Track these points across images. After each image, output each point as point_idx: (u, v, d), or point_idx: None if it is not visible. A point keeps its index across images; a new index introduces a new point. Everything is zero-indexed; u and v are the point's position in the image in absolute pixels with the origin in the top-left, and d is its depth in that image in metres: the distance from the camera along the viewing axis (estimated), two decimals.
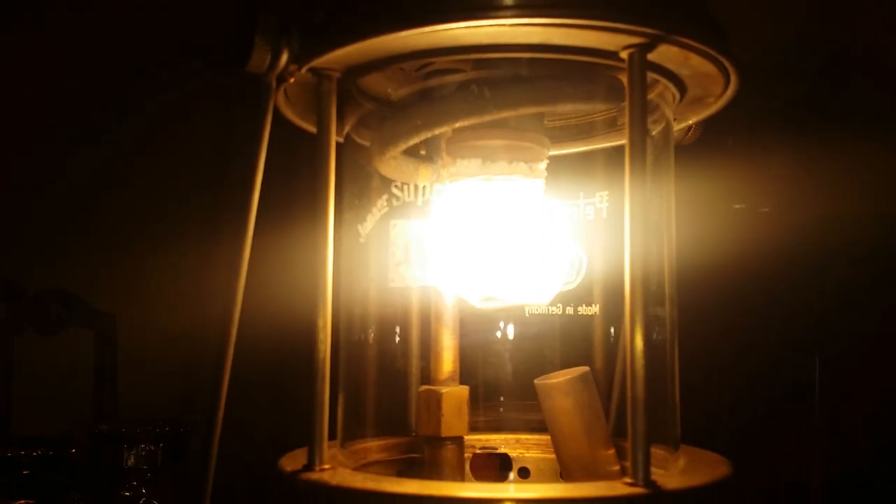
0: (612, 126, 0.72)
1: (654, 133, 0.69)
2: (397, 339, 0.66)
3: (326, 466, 0.54)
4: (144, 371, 0.83)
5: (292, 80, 0.55)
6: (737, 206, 1.14)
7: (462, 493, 0.48)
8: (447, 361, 0.67)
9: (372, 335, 0.62)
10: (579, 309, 0.71)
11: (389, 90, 0.58)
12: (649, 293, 0.55)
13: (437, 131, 0.55)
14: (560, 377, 0.67)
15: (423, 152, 0.64)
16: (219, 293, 0.57)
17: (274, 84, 0.54)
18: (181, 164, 0.83)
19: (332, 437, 0.61)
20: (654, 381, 0.54)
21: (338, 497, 0.50)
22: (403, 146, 0.57)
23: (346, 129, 0.64)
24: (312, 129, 0.57)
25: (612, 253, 0.69)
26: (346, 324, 0.61)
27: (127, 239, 0.82)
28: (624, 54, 0.52)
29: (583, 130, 0.72)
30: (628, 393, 0.52)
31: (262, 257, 0.58)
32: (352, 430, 0.65)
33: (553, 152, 0.68)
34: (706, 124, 0.69)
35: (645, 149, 0.55)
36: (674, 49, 0.53)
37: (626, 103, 0.54)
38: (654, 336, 0.61)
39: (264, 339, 0.75)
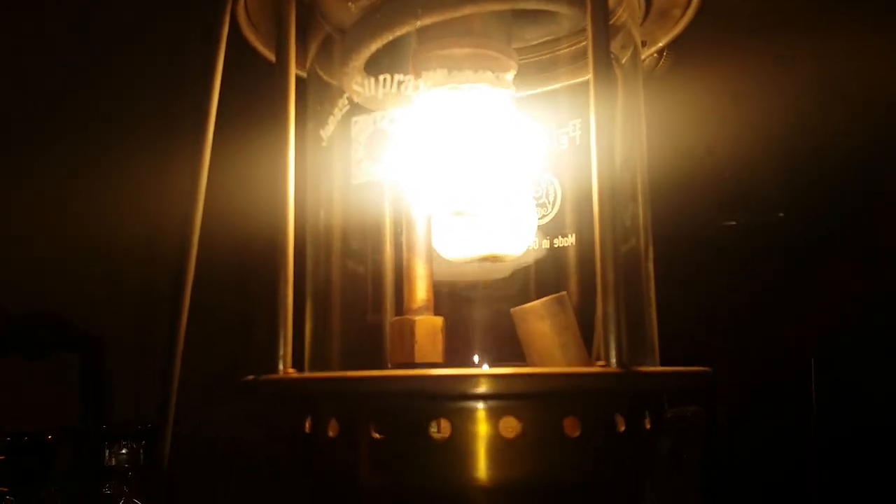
0: (580, 59, 0.72)
1: (623, 60, 0.69)
2: (367, 259, 0.64)
3: (291, 370, 0.52)
4: (103, 290, 0.80)
5: None
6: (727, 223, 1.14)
7: (434, 372, 0.46)
8: (420, 290, 0.65)
9: (338, 248, 0.60)
10: (555, 241, 0.70)
11: (350, 4, 0.58)
12: (620, 206, 0.54)
13: (398, 32, 0.55)
14: (535, 301, 0.65)
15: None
16: (178, 206, 0.56)
17: None
18: (136, 74, 0.81)
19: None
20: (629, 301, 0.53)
21: (304, 388, 0.48)
22: (366, 53, 0.56)
23: (309, 62, 0.63)
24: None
25: (588, 181, 0.69)
26: (313, 238, 0.59)
27: (77, 151, 0.80)
28: None
29: (549, 65, 0.72)
30: (598, 277, 0.50)
31: (222, 171, 0.57)
32: (319, 364, 0.63)
33: (522, 93, 0.67)
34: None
35: (608, 49, 0.55)
36: None
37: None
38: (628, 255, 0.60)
39: (226, 256, 0.73)
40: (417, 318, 0.64)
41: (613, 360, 0.48)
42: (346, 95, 0.54)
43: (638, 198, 0.62)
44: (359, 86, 0.53)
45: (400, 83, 0.51)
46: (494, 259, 0.64)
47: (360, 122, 0.52)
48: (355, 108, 0.56)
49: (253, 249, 0.58)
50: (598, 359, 0.53)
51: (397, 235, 0.63)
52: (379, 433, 0.48)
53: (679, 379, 0.51)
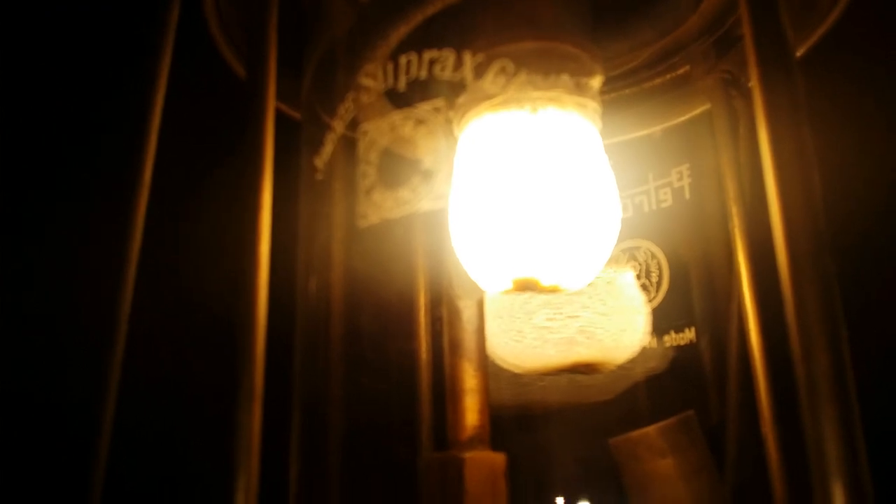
0: (680, 87, 0.52)
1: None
2: (389, 361, 0.43)
3: None
4: None
5: None
6: None
7: None
8: (471, 412, 0.43)
9: (340, 339, 0.39)
10: (666, 337, 0.48)
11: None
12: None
13: (436, 2, 0.36)
14: (650, 427, 0.43)
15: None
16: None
17: None
18: None
19: None
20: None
21: None
22: (386, 45, 0.37)
23: (306, 87, 0.45)
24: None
25: (708, 246, 0.48)
26: (304, 322, 0.38)
27: None
28: None
29: (640, 99, 0.53)
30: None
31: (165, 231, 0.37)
32: None
33: (612, 139, 0.48)
34: None
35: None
36: None
37: None
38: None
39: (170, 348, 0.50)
40: (467, 454, 0.42)
41: None
42: (349, 97, 0.35)
43: None
44: (369, 78, 0.33)
45: (433, 62, 0.31)
46: (588, 369, 0.43)
47: (372, 132, 0.33)
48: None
49: (204, 344, 0.37)
50: None
51: (435, 323, 0.42)
52: None
53: None
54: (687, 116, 0.53)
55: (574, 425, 0.47)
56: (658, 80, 0.53)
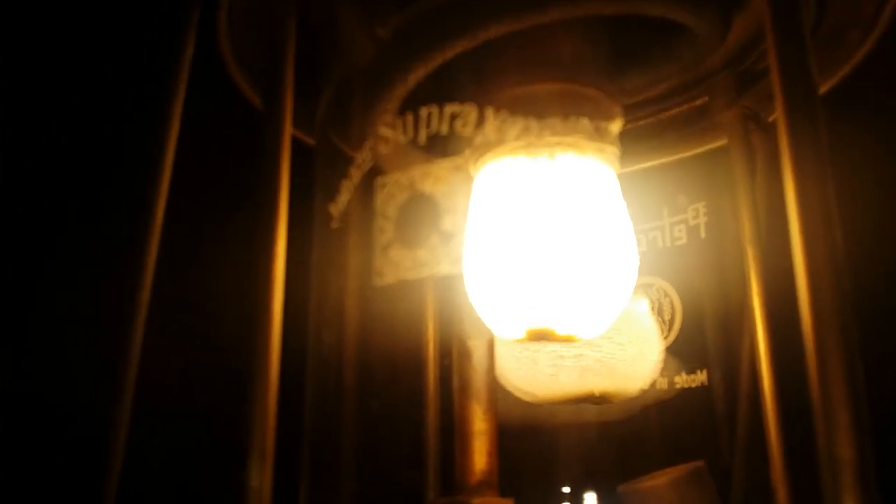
0: (698, 121, 0.51)
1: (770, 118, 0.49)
2: (396, 405, 0.42)
3: None
4: None
5: None
6: None
7: None
8: (479, 455, 0.43)
9: (353, 389, 0.38)
10: (677, 379, 0.47)
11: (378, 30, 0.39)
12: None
13: (455, 47, 0.35)
14: (660, 477, 0.42)
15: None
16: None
17: None
18: None
19: None
20: None
21: None
22: (403, 85, 0.36)
23: (319, 119, 0.44)
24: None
25: (723, 287, 0.47)
26: (316, 371, 0.37)
27: None
28: None
29: (655, 132, 0.52)
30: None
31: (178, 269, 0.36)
32: None
33: (627, 168, 0.47)
34: None
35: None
36: None
37: None
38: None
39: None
40: (476, 501, 0.41)
41: None
42: (367, 146, 0.34)
43: None
44: (389, 128, 0.32)
45: (454, 117, 0.30)
46: (600, 399, 0.43)
47: (390, 186, 0.32)
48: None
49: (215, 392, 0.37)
50: None
51: (443, 367, 0.42)
52: None
53: None
54: (703, 149, 0.52)
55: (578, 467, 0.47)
56: (676, 111, 0.52)
